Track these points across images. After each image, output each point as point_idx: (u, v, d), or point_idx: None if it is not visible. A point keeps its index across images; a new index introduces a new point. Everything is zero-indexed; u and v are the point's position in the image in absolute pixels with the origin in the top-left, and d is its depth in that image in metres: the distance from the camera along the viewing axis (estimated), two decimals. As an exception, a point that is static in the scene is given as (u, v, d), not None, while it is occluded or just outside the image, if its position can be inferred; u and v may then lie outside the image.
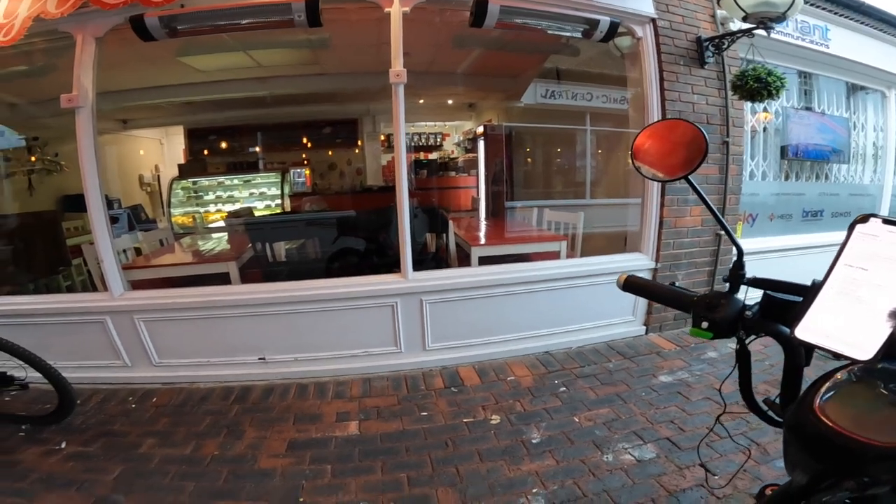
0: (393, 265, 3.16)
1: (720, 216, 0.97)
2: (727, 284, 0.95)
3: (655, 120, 3.24)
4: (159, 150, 8.01)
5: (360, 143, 8.29)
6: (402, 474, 2.08)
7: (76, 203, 5.32)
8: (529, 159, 6.89)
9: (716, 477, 1.95)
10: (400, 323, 3.03)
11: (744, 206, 3.97)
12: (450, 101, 7.69)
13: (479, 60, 5.13)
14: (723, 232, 3.43)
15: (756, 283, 0.93)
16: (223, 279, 3.31)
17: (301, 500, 1.94)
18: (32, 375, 2.40)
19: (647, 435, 2.30)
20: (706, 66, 3.40)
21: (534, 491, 1.93)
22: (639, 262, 3.46)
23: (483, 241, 4.03)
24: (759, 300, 0.89)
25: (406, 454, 2.23)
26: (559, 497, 1.89)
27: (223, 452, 2.28)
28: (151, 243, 4.20)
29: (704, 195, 0.99)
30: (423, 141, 8.92)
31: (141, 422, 2.59)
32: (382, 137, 8.42)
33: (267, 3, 2.69)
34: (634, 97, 3.60)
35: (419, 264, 3.07)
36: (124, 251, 3.26)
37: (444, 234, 4.13)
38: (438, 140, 9.05)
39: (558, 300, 3.27)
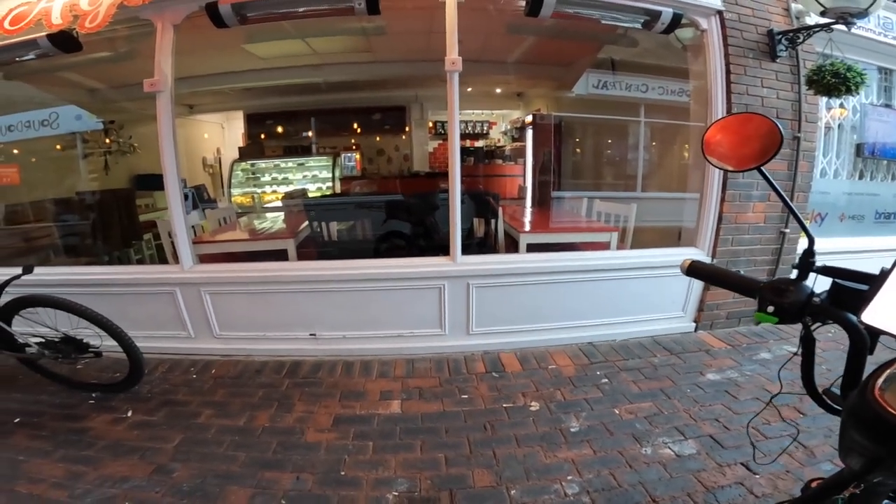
0: (438, 249, 3.23)
1: (790, 203, 0.99)
2: (795, 271, 0.96)
3: (719, 113, 3.16)
4: (220, 134, 8.45)
5: (407, 129, 8.43)
6: (441, 454, 2.14)
7: (148, 182, 5.78)
8: (578, 150, 6.76)
9: (756, 476, 1.92)
10: (446, 306, 3.10)
11: (813, 204, 3.79)
12: (498, 90, 7.63)
13: (531, 49, 5.05)
14: (787, 230, 3.35)
15: (826, 271, 0.94)
16: (280, 256, 3.49)
17: (343, 473, 2.03)
18: (106, 344, 2.53)
19: (689, 431, 2.27)
20: (778, 60, 3.24)
21: (569, 478, 1.96)
22: (693, 257, 3.34)
23: (531, 228, 4.03)
24: (827, 289, 0.90)
25: (445, 435, 2.30)
26: (594, 485, 1.91)
27: (273, 424, 2.40)
28: (214, 221, 4.49)
29: (776, 184, 0.99)
30: (470, 129, 8.90)
31: (201, 392, 2.75)
32: (430, 124, 8.51)
33: (330, -10, 2.78)
34: (696, 90, 3.47)
35: (466, 248, 3.12)
36: (192, 227, 3.49)
37: (493, 221, 4.15)
38: (485, 128, 9.01)
39: (605, 291, 3.24)
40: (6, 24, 2.85)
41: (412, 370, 2.96)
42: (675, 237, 3.69)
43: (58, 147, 5.26)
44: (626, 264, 3.25)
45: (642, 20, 3.07)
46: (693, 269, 1.12)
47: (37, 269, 2.59)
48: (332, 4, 2.82)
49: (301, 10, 2.85)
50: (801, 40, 3.17)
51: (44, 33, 2.86)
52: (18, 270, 2.47)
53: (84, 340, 2.54)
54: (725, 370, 2.89)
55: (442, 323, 3.15)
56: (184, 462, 2.11)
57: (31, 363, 2.68)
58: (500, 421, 2.40)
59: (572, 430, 2.31)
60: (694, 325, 3.49)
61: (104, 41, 3.56)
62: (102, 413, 2.53)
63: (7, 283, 2.47)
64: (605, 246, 3.58)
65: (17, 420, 2.47)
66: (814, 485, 0.98)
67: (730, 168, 1.07)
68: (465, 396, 2.64)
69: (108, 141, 5.88)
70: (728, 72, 3.17)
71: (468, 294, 3.10)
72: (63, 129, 4.61)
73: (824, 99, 3.46)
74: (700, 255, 3.36)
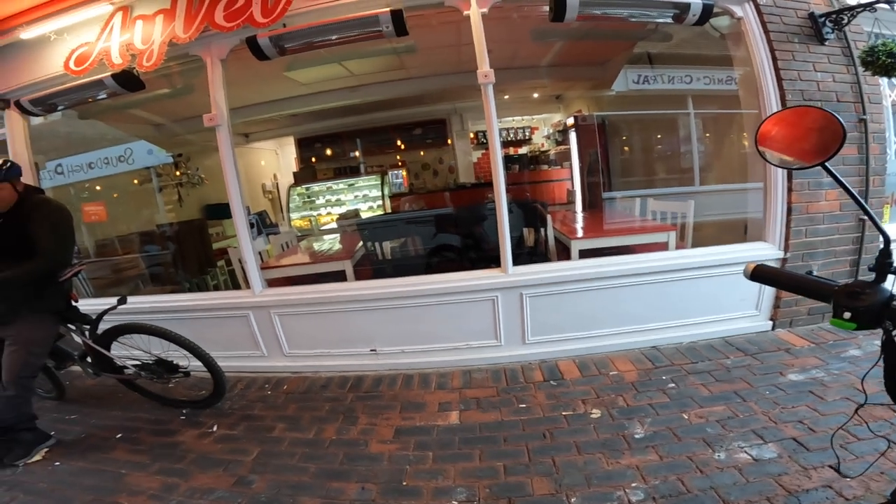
0: (489, 259, 3.24)
1: (862, 200, 0.94)
2: (873, 274, 0.90)
3: (772, 101, 3.03)
4: (275, 160, 8.96)
5: (449, 141, 8.53)
6: (499, 463, 2.15)
7: (217, 211, 6.20)
8: (626, 147, 6.57)
9: (847, 479, 1.78)
10: (500, 317, 3.11)
11: (891, 187, 3.45)
12: (535, 95, 7.57)
13: (562, 51, 5.01)
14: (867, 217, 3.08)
15: None
16: (339, 276, 3.65)
17: (405, 483, 2.08)
18: (192, 364, 2.78)
19: (768, 434, 2.14)
20: (826, 43, 3.06)
21: (633, 485, 1.91)
22: (763, 252, 3.15)
23: (583, 233, 3.96)
24: None
25: (503, 444, 2.30)
26: (660, 492, 1.85)
27: (340, 437, 2.52)
28: (277, 246, 4.76)
29: (842, 179, 0.94)
30: (512, 136, 8.88)
31: (274, 406, 2.92)
32: (472, 135, 8.58)
33: (357, 18, 2.88)
34: (744, 77, 3.31)
35: (517, 258, 3.12)
36: (258, 253, 3.73)
37: (542, 229, 4.11)
38: (527, 134, 8.96)
39: (667, 293, 3.11)
40: (72, 65, 3.14)
41: (469, 381, 2.99)
42: (740, 231, 3.48)
43: (135, 182, 5.67)
44: (686, 264, 3.11)
45: (671, 14, 2.96)
46: (758, 274, 1.05)
47: (128, 299, 2.87)
48: (361, 30, 2.91)
49: (334, 37, 2.97)
50: (845, 21, 3.00)
51: (108, 73, 3.12)
52: (114, 301, 2.77)
53: (174, 362, 2.81)
54: (809, 370, 2.68)
55: (497, 334, 3.16)
56: (261, 474, 2.26)
57: (128, 383, 3.01)
58: (560, 428, 2.38)
59: (636, 436, 2.24)
60: (771, 323, 3.26)
61: (162, 78, 3.84)
62: (191, 428, 2.76)
63: (105, 312, 2.77)
64: (662, 246, 3.44)
65: (118, 436, 2.75)
66: None
67: (790, 163, 1.01)
68: (523, 405, 2.63)
69: (177, 173, 6.28)
70: (774, 58, 3.01)
71: (522, 304, 3.09)
72: (138, 163, 4.82)
73: (885, 79, 3.20)
74: (771, 249, 3.16)
